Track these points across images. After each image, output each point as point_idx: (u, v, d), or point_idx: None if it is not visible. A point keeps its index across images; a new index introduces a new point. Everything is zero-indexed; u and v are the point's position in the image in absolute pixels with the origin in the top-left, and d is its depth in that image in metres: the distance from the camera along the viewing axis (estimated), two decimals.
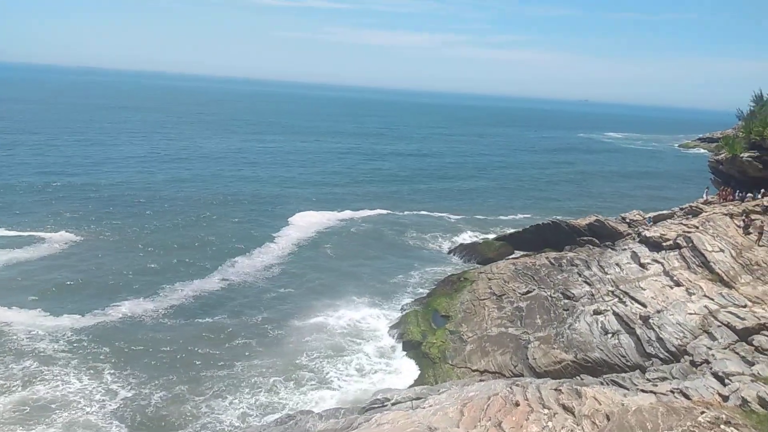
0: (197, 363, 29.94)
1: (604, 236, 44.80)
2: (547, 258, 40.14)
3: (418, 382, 29.00)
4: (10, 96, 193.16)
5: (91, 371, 28.29)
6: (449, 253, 51.37)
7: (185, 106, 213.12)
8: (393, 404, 20.51)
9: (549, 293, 34.77)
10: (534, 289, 35.78)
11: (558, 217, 53.20)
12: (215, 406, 26.46)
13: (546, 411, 17.13)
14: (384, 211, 64.42)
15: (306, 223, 57.24)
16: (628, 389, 20.71)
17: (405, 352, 32.39)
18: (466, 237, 56.05)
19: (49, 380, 27.20)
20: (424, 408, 18.60)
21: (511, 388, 18.97)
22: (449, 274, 44.15)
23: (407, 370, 30.84)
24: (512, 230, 55.51)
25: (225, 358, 30.62)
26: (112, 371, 28.46)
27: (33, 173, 69.57)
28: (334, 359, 31.44)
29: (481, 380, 24.94)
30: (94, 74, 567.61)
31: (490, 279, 38.62)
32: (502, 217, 65.26)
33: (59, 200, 58.12)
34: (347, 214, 62.01)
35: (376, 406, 20.63)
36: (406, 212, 64.89)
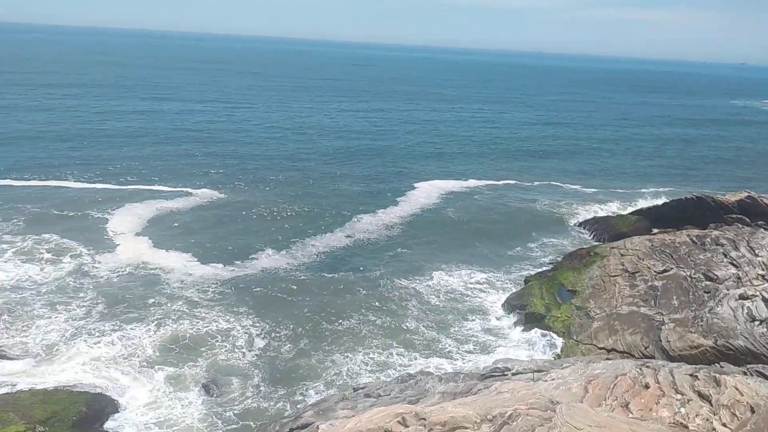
0: (321, 316, 31.82)
1: (757, 215, 40.69)
2: (688, 235, 37.28)
3: (539, 355, 28.55)
4: (118, 61, 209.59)
5: (231, 318, 30.91)
6: (578, 225, 49.35)
7: (312, 71, 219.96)
8: (513, 374, 20.40)
9: (688, 273, 32.41)
10: (672, 268, 33.51)
11: (704, 192, 48.99)
12: (336, 360, 27.87)
13: (679, 396, 16.19)
14: (511, 181, 63.03)
15: (430, 188, 57.69)
16: None
17: (525, 324, 31.86)
18: (598, 210, 53.44)
19: (195, 323, 30.11)
20: (546, 381, 18.33)
21: (640, 369, 18.11)
22: (578, 247, 42.55)
23: (527, 342, 30.38)
24: (649, 204, 52.13)
25: (345, 314, 32.22)
26: (249, 319, 30.88)
27: (174, 133, 75.90)
28: (450, 324, 31.89)
29: (607, 359, 24.06)
30: (203, 39, 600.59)
31: (622, 255, 36.67)
32: (638, 190, 61.41)
33: (203, 160, 62.99)
34: (472, 183, 61.48)
35: (495, 374, 20.63)
36: (535, 183, 63.03)
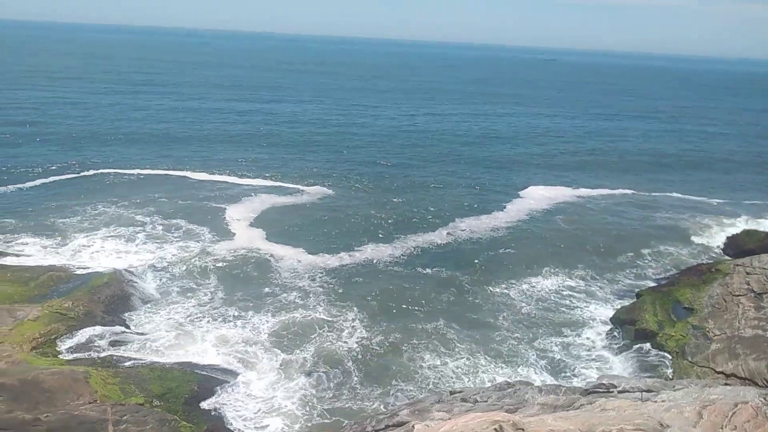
0: (414, 312, 32.47)
1: None
2: None
3: (647, 374, 26.94)
4: (213, 61, 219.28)
5: (335, 308, 32.25)
6: (699, 239, 45.90)
7: (416, 72, 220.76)
8: (619, 392, 19.39)
9: None
10: None
11: None
12: (426, 360, 28.02)
13: None
14: (627, 191, 59.49)
15: (538, 196, 55.90)
16: None
17: (634, 341, 30.17)
18: (723, 224, 49.34)
19: (304, 311, 31.71)
20: (655, 402, 17.26)
21: (765, 398, 16.59)
22: (697, 262, 39.68)
23: (634, 359, 28.77)
24: None
25: (438, 313, 32.43)
26: (351, 312, 31.97)
27: (289, 134, 79.32)
28: (551, 335, 31.03)
29: (726, 384, 22.27)
30: (268, 39, 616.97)
31: (748, 273, 33.71)
32: None
33: (314, 160, 65.46)
34: (583, 191, 58.68)
35: (600, 390, 19.71)
36: (654, 193, 59.13)
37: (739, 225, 48.83)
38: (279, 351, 27.82)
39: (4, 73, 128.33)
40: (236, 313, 30.98)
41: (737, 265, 35.74)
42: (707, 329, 29.49)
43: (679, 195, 58.87)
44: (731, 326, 29.27)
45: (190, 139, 71.76)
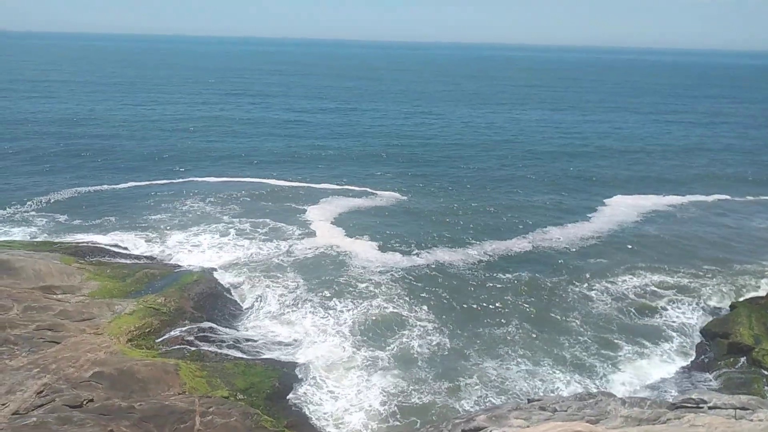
0: (486, 313, 32.47)
1: None
2: None
3: (741, 390, 25.33)
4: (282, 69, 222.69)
5: (407, 306, 32.75)
6: None
7: (506, 75, 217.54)
8: (710, 408, 18.38)
9: None
10: None
11: None
12: (490, 365, 27.77)
13: None
14: (723, 196, 56.33)
15: (625, 205, 53.24)
16: None
17: (726, 354, 28.47)
18: None
19: (380, 305, 32.63)
20: (751, 420, 16.26)
21: None
22: None
23: (727, 374, 27.15)
24: None
25: (510, 315, 32.21)
26: (422, 310, 32.42)
27: (371, 139, 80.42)
28: (635, 344, 29.85)
29: None
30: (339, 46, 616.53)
31: None
32: None
33: (389, 164, 66.21)
34: (674, 199, 55.60)
35: (689, 405, 18.75)
36: (748, 197, 55.88)
37: None
38: (357, 347, 28.51)
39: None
40: (318, 310, 32.00)
41: None
42: None
43: None
44: None
45: (274, 148, 74.14)
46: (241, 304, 32.65)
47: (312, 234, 43.12)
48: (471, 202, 52.02)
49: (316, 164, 65.05)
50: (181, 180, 56.55)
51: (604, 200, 54.76)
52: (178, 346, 26.61)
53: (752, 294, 34.98)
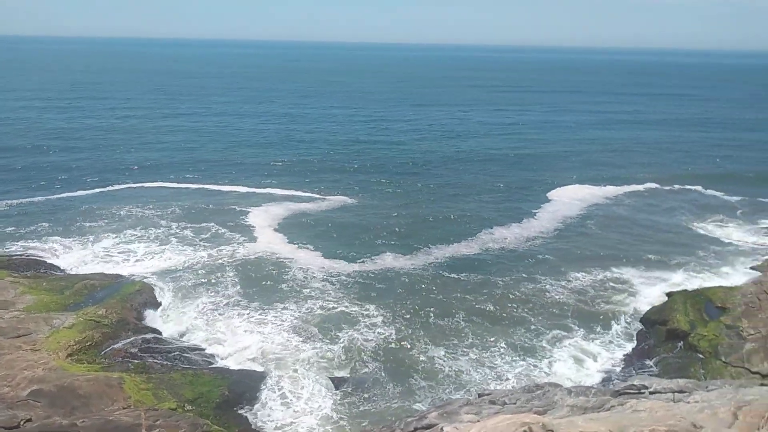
0: (430, 313, 32.61)
1: None
2: None
3: (679, 374, 26.47)
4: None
5: (355, 309, 32.65)
6: (727, 237, 45.01)
7: (453, 76, 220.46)
8: (651, 393, 19.12)
9: None
10: None
11: None
12: (441, 358, 28.25)
13: None
14: (654, 186, 59.26)
15: (567, 198, 55.23)
16: None
17: (664, 341, 29.70)
18: (750, 220, 48.53)
19: (325, 306, 32.60)
20: (687, 403, 16.99)
21: None
22: (725, 260, 39.01)
23: (666, 360, 28.33)
24: None
25: (461, 314, 32.48)
26: (370, 311, 32.41)
27: (322, 144, 79.96)
28: (579, 334, 30.86)
29: (762, 384, 21.77)
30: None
31: None
32: None
33: (336, 166, 65.95)
34: (610, 189, 58.18)
35: (631, 391, 19.45)
36: (675, 186, 58.92)
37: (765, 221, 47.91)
38: (306, 350, 28.29)
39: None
40: (263, 315, 31.59)
41: None
42: (741, 328, 28.87)
43: (701, 189, 58.45)
44: (766, 325, 28.64)
45: (214, 152, 72.62)
46: (185, 312, 31.81)
47: (255, 240, 42.38)
48: (420, 205, 52.18)
49: (261, 169, 64.12)
50: (119, 187, 54.87)
51: (548, 194, 56.38)
52: (121, 359, 25.77)
53: (686, 281, 36.57)
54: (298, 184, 57.55)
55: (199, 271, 36.43)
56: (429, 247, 42.05)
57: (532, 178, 62.22)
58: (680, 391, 18.79)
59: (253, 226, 44.96)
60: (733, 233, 45.46)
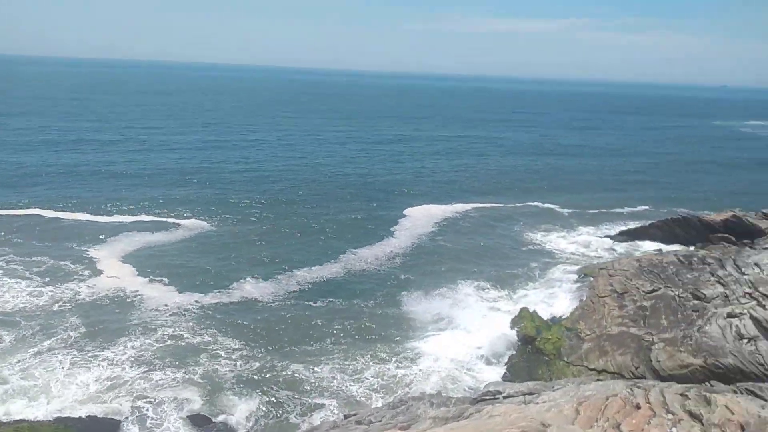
0: (299, 338, 32.20)
1: (742, 234, 41.20)
2: (675, 255, 37.57)
3: (529, 377, 28.42)
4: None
5: (210, 342, 31.10)
6: (563, 246, 49.53)
7: (306, 102, 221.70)
8: (505, 397, 20.30)
9: (676, 293, 32.55)
10: (660, 288, 33.66)
11: (687, 212, 49.67)
12: (315, 382, 27.99)
13: (670, 416, 16.20)
14: (497, 204, 63.50)
15: (421, 216, 57.40)
16: (766, 400, 19.01)
17: (517, 346, 31.84)
18: (583, 230, 53.93)
19: (175, 347, 30.31)
20: (537, 404, 18.25)
21: (631, 389, 18.14)
22: (565, 268, 42.73)
23: (517, 365, 30.32)
24: (635, 225, 52.74)
25: (325, 338, 32.32)
26: (225, 344, 31.01)
27: (173, 165, 76.00)
28: (447, 348, 31.73)
29: (598, 380, 24.03)
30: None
31: (611, 275, 36.82)
32: (625, 210, 62.41)
33: (191, 192, 62.63)
34: (459, 207, 61.53)
35: (487, 398, 20.52)
36: (517, 204, 63.73)
37: (599, 231, 53.46)
38: (161, 391, 26.32)
39: None
40: (108, 355, 29.01)
41: (601, 268, 38.93)
42: (579, 330, 31.72)
43: (538, 204, 63.87)
44: (599, 325, 31.72)
45: (55, 173, 66.36)
46: (18, 356, 28.19)
47: (100, 273, 38.84)
48: (279, 229, 50.89)
49: (107, 192, 59.45)
50: None
51: (403, 212, 58.36)
52: None
53: (528, 294, 39.46)
54: (149, 210, 54.09)
55: (32, 312, 32.64)
56: (291, 272, 41.17)
57: (388, 199, 63.90)
58: (530, 393, 20.15)
59: (96, 259, 41.26)
60: (562, 242, 50.04)
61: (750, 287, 29.43)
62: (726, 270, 32.82)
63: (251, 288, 38.34)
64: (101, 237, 45.71)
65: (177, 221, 51.22)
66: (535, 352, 30.82)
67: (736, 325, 26.33)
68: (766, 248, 33.79)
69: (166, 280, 38.75)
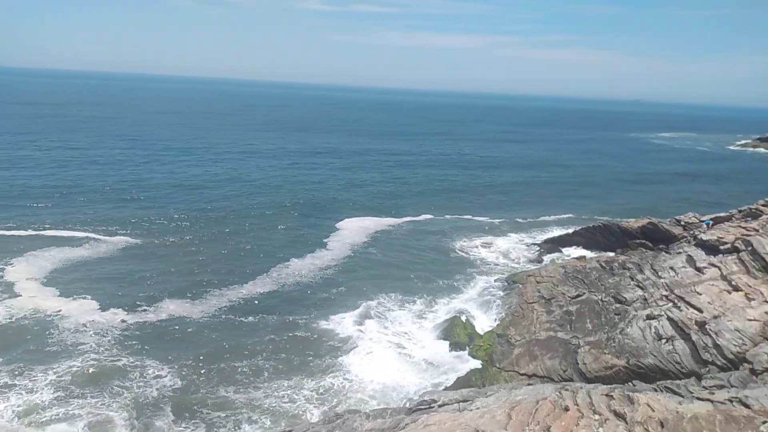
0: (229, 357, 31.01)
1: (658, 239, 43.55)
2: (597, 261, 39.26)
3: (464, 384, 28.78)
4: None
5: (133, 362, 29.63)
6: (493, 255, 50.77)
7: (249, 111, 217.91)
8: (439, 406, 20.44)
9: (600, 297, 34.00)
10: (584, 293, 35.05)
11: (607, 219, 52.09)
12: (237, 397, 27.36)
13: (596, 417, 16.79)
14: (429, 216, 64.26)
15: (354, 228, 57.27)
16: (683, 396, 20.03)
17: (451, 355, 32.21)
18: (511, 239, 55.49)
19: (97, 369, 28.74)
20: (471, 410, 18.48)
21: (560, 392, 18.67)
22: (495, 277, 43.74)
23: (452, 372, 30.65)
24: (560, 233, 54.75)
25: (256, 354, 31.42)
26: (151, 362, 29.73)
27: (100, 178, 72.60)
28: (381, 359, 31.58)
29: (529, 384, 24.62)
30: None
31: (538, 282, 38.03)
32: (545, 218, 64.79)
33: (122, 204, 60.28)
34: (391, 220, 61.84)
35: (422, 407, 20.60)
36: (447, 216, 64.71)
37: (525, 239, 55.18)
38: (80, 420, 24.78)
39: None
40: (25, 382, 27.04)
41: (529, 275, 40.16)
42: (510, 336, 32.52)
43: (469, 216, 65.14)
44: (529, 331, 32.63)
45: None
46: None
47: (15, 295, 36.29)
48: (209, 244, 49.22)
49: (21, 204, 56.07)
50: None
51: (336, 224, 58.07)
52: None
53: (460, 303, 40.06)
54: (72, 224, 51.34)
55: None
56: (221, 288, 39.88)
57: (320, 211, 63.50)
58: (464, 401, 20.38)
59: (11, 279, 38.68)
60: (490, 252, 51.25)
61: (666, 290, 31.09)
62: (644, 274, 34.57)
63: (179, 305, 36.83)
64: (17, 252, 42.96)
65: (99, 237, 48.74)
66: (468, 360, 31.30)
67: (655, 327, 27.75)
68: (679, 253, 35.81)
69: (88, 296, 36.79)
